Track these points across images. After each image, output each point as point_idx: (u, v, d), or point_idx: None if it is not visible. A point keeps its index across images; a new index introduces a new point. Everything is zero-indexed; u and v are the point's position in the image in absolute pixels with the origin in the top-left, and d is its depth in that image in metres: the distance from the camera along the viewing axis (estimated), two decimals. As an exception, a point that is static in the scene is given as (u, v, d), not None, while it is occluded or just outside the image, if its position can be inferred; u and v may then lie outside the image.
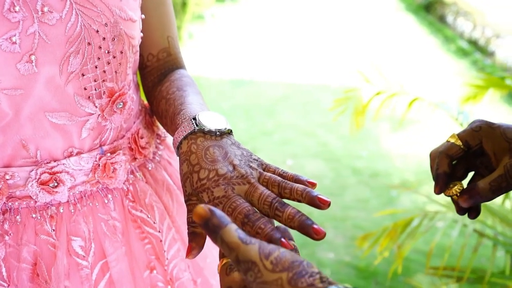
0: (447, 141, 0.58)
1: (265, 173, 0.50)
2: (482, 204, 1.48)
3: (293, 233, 0.83)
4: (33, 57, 0.54)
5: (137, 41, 0.65)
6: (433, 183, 0.57)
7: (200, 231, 0.49)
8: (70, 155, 0.63)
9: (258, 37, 6.42)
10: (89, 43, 0.57)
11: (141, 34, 0.68)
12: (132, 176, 0.70)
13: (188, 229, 0.50)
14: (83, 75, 0.59)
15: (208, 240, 0.56)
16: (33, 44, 0.54)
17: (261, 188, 0.48)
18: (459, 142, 0.57)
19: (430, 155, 0.60)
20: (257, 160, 0.52)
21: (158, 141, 0.79)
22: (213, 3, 7.40)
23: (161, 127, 0.81)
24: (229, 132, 0.54)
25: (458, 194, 0.56)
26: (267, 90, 4.67)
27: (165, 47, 0.72)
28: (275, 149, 3.48)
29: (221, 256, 0.46)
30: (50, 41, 0.55)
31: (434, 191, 0.57)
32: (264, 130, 3.80)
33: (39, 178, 0.61)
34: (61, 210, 0.63)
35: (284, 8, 8.13)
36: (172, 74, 0.70)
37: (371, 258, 2.20)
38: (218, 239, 0.39)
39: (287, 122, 3.97)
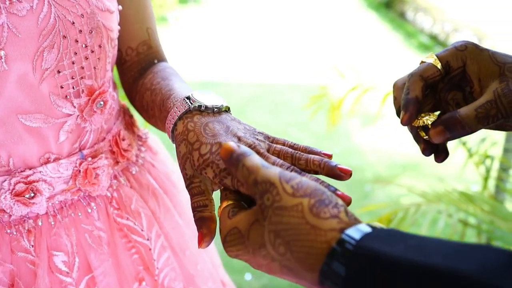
0: (423, 62, 0.48)
1: (274, 145, 0.46)
2: (462, 192, 1.49)
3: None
4: (2, 53, 0.48)
5: (115, 34, 0.60)
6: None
7: (208, 214, 0.43)
8: (47, 162, 0.57)
9: (224, 38, 6.37)
10: (64, 36, 0.52)
11: (119, 27, 0.62)
12: (115, 181, 0.65)
13: (194, 215, 0.43)
14: (59, 72, 0.53)
15: (197, 245, 0.50)
16: (2, 38, 0.48)
17: (273, 158, 0.43)
18: (438, 63, 0.47)
19: (394, 85, 0.49)
20: (262, 134, 0.48)
21: (140, 142, 0.74)
22: (176, 5, 7.29)
23: (141, 128, 0.76)
24: (227, 110, 0.50)
25: (430, 126, 0.46)
26: (237, 91, 4.63)
27: (145, 40, 0.67)
28: (248, 150, 3.44)
29: (223, 198, 0.43)
30: (21, 34, 0.49)
31: (401, 121, 0.46)
32: (235, 131, 3.76)
33: (13, 189, 0.55)
34: (40, 223, 0.57)
35: (248, 9, 8.11)
36: (154, 67, 0.65)
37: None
38: (240, 165, 0.38)
39: (258, 122, 3.94)
